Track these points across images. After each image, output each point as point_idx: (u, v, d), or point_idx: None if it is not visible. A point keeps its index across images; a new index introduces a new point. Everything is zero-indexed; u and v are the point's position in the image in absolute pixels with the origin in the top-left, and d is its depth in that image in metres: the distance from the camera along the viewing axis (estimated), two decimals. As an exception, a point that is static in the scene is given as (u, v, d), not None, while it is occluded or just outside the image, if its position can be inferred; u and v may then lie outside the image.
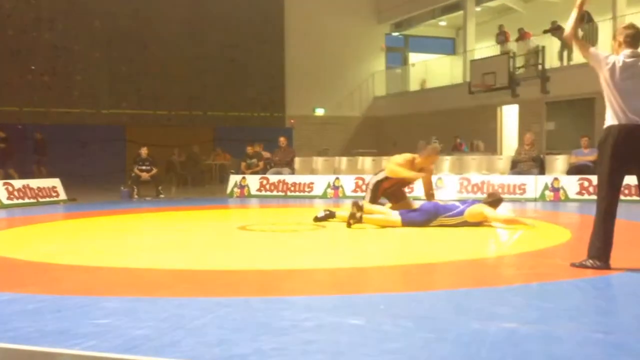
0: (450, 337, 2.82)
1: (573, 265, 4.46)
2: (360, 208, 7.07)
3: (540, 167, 12.34)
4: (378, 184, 7.59)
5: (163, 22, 20.90)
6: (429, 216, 6.87)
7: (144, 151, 13.54)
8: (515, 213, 8.38)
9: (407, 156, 7.51)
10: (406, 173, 7.36)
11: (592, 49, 4.62)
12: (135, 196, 12.94)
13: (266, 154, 14.16)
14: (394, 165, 7.46)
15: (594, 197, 11.14)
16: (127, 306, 3.47)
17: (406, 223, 6.86)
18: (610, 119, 4.53)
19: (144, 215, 9.57)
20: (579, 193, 11.16)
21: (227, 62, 21.50)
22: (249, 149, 14.51)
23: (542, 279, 4.24)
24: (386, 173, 7.56)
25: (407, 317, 3.16)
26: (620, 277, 4.28)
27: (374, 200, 7.53)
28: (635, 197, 10.50)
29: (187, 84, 21.08)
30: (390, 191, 7.73)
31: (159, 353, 2.56)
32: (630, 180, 11.09)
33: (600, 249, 4.34)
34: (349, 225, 6.92)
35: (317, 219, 7.63)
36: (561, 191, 11.27)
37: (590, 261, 4.36)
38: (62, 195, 12.03)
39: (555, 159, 12.82)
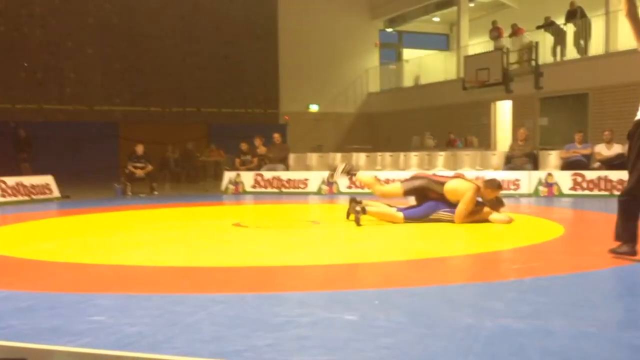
0: (444, 332, 2.82)
1: (611, 251, 4.52)
2: (359, 202, 7.11)
3: (534, 163, 12.38)
4: (426, 190, 7.03)
5: (156, 18, 20.84)
6: (430, 210, 6.92)
7: (139, 148, 13.50)
8: (508, 209, 8.41)
9: (473, 188, 6.89)
10: (465, 211, 6.82)
11: None
12: (129, 193, 12.91)
13: (263, 149, 14.15)
14: (467, 202, 6.78)
15: (588, 192, 11.31)
16: (121, 303, 3.46)
17: (407, 219, 6.88)
18: None
19: (138, 212, 9.55)
20: (573, 188, 11.19)
21: (221, 58, 21.46)
22: (243, 146, 14.49)
23: (536, 273, 4.26)
24: (449, 197, 6.90)
25: (401, 313, 3.17)
26: (614, 272, 4.31)
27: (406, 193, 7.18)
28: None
29: (181, 80, 21.03)
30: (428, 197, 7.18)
31: (154, 350, 2.55)
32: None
33: (633, 235, 4.42)
34: (356, 220, 6.81)
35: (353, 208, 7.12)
36: (555, 186, 11.31)
37: (625, 247, 4.45)
38: (56, 193, 11.99)
39: (549, 154, 12.86)
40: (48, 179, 12.05)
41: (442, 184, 6.97)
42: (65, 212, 9.69)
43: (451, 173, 12.01)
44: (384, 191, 7.43)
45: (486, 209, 6.96)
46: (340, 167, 7.63)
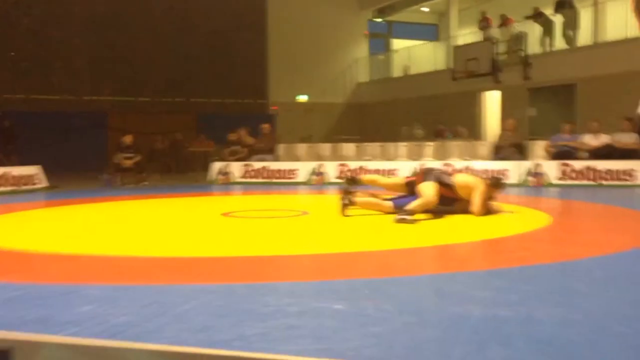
0: (432, 321, 2.85)
1: None
2: (349, 192, 7.09)
3: (522, 153, 12.44)
4: (439, 184, 6.83)
5: (144, 8, 20.67)
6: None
7: (127, 139, 13.43)
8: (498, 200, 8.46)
9: (484, 182, 6.95)
10: (482, 205, 6.77)
11: None
12: (118, 183, 12.86)
13: (250, 140, 14.12)
14: (483, 193, 6.73)
15: (576, 182, 11.37)
16: (109, 294, 3.46)
17: (397, 208, 6.88)
18: None
19: (127, 202, 9.52)
20: (561, 178, 11.27)
21: (209, 48, 21.33)
22: (232, 136, 14.46)
23: (523, 262, 4.29)
24: (460, 191, 6.81)
25: (389, 302, 3.18)
26: (600, 261, 4.35)
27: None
28: (637, 182, 10.64)
29: (169, 70, 20.90)
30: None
31: (142, 339, 2.55)
32: (621, 165, 11.18)
33: None
34: (342, 209, 6.77)
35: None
36: (543, 176, 11.37)
37: None
38: (44, 183, 11.92)
39: (537, 144, 12.92)
40: (36, 169, 11.97)
41: (451, 175, 7.02)
42: (54, 202, 9.64)
43: (440, 163, 12.12)
44: (388, 182, 7.39)
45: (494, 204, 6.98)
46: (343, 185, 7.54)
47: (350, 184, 7.16)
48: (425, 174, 6.92)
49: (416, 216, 6.39)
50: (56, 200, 9.76)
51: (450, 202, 6.87)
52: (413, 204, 6.43)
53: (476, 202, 6.71)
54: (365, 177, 7.46)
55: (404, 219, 6.18)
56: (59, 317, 2.95)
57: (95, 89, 20.24)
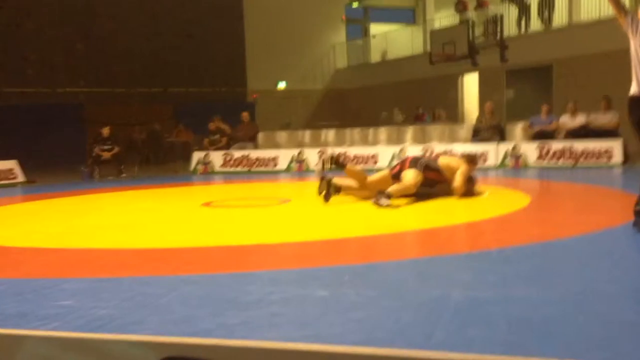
0: (414, 304, 2.87)
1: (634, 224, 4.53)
2: (329, 180, 7.07)
3: (501, 135, 12.53)
4: (427, 168, 6.89)
5: (118, -3, 20.38)
6: None
7: (105, 131, 13.29)
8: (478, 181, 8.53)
9: (465, 162, 7.06)
10: (463, 182, 6.90)
11: (628, 16, 4.60)
12: (97, 176, 12.75)
13: (226, 127, 14.08)
14: (464, 173, 6.88)
15: (554, 163, 11.49)
16: (89, 287, 3.44)
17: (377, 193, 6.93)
18: (633, 88, 4.55)
19: (106, 195, 9.44)
20: (539, 159, 11.37)
21: (186, 38, 21.10)
22: (211, 125, 14.38)
23: (502, 244, 4.34)
24: (447, 175, 6.93)
25: (371, 287, 3.21)
26: (578, 241, 4.41)
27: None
28: (614, 161, 10.77)
29: (146, 60, 20.65)
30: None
31: (124, 332, 2.55)
32: (598, 145, 11.25)
33: None
34: (325, 197, 6.73)
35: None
36: (521, 158, 11.47)
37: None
38: (20, 177, 11.77)
39: (516, 126, 13.01)
40: (12, 164, 11.81)
41: (436, 160, 7.11)
42: (31, 196, 9.54)
43: (403, 145, 12.21)
44: (375, 179, 7.22)
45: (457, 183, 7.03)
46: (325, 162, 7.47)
47: (335, 165, 7.09)
48: (411, 163, 6.92)
49: (398, 201, 6.42)
50: (34, 195, 9.66)
51: (433, 184, 6.97)
52: (392, 188, 6.47)
53: (457, 178, 6.85)
54: (352, 167, 7.27)
55: (378, 201, 6.27)
56: (40, 311, 2.93)
57: (71, 81, 19.95)
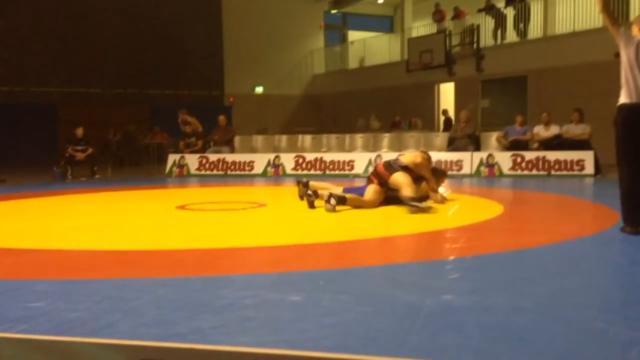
0: (387, 311, 2.88)
1: (621, 230, 4.79)
2: (306, 184, 7.30)
3: (476, 144, 12.65)
4: (405, 168, 6.96)
5: (94, -4, 20.19)
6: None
7: (79, 131, 13.14)
8: (451, 189, 8.60)
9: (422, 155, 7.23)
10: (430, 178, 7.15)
11: (621, 28, 4.73)
12: (69, 177, 12.58)
13: (192, 119, 14.20)
14: (427, 170, 7.11)
15: (527, 172, 11.63)
16: (60, 288, 3.38)
17: (346, 191, 6.98)
18: (623, 98, 4.71)
19: (79, 196, 9.32)
20: (512, 168, 11.50)
21: (163, 39, 20.95)
22: (187, 128, 14.31)
23: (476, 251, 4.37)
24: (413, 168, 7.02)
25: (345, 292, 3.21)
26: (550, 249, 4.46)
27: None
28: (585, 172, 10.91)
29: (121, 61, 20.45)
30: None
31: (95, 335, 2.51)
32: (571, 156, 11.39)
33: (629, 218, 4.74)
34: (309, 203, 6.78)
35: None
36: (496, 167, 11.60)
37: (627, 227, 4.76)
38: (-9, 177, 11.57)
39: (490, 135, 13.16)
40: (-18, 163, 11.62)
41: (401, 164, 7.04)
42: (1, 196, 9.37)
43: (379, 152, 12.29)
44: (372, 199, 7.08)
45: (424, 185, 7.09)
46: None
47: (337, 202, 6.93)
48: (387, 169, 6.94)
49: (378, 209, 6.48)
50: (4, 195, 9.48)
51: (416, 181, 6.99)
52: (405, 193, 6.45)
53: (428, 176, 7.06)
54: (350, 197, 6.85)
55: (329, 200, 6.43)
56: (9, 313, 2.88)
57: (44, 81, 19.66)
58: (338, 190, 7.11)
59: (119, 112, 19.80)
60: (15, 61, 19.24)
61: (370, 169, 11.92)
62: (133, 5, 20.69)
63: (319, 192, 7.08)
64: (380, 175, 6.96)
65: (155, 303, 3.04)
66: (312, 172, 12.55)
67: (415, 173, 6.96)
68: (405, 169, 6.89)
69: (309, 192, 6.96)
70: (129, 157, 18.43)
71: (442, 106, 19.05)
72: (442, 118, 18.72)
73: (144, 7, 20.82)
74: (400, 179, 6.71)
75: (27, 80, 19.40)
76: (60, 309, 2.93)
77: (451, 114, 18.17)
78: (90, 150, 13.05)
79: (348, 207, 6.71)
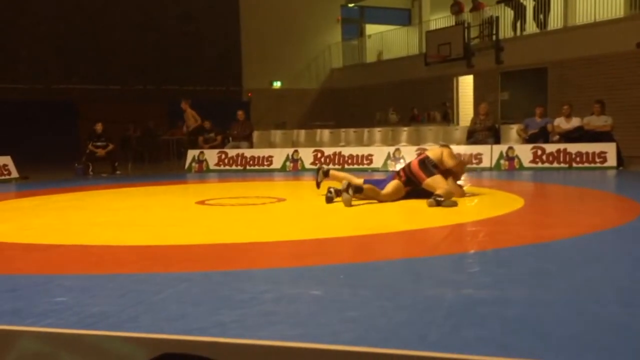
0: (408, 305, 2.87)
1: None
2: (326, 173, 7.49)
3: (496, 137, 12.55)
4: (436, 167, 7.00)
5: (113, -6, 20.33)
6: (389, 179, 7.02)
7: (98, 127, 13.27)
8: (471, 183, 8.56)
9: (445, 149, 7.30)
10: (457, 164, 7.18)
11: None
12: (91, 173, 12.72)
13: (193, 112, 14.32)
14: (452, 160, 7.09)
15: (548, 165, 11.52)
16: (84, 283, 3.43)
17: (366, 182, 6.95)
18: None
19: (100, 192, 9.41)
20: (533, 161, 11.40)
21: (181, 35, 21.07)
22: (206, 124, 14.38)
23: (496, 245, 4.35)
24: (439, 165, 7.02)
25: (365, 286, 3.21)
26: (571, 243, 4.42)
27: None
28: (608, 164, 10.81)
29: (140, 58, 20.60)
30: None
31: (118, 329, 2.54)
32: (592, 148, 11.29)
33: None
34: (327, 199, 6.79)
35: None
36: (516, 160, 11.50)
37: None
38: (14, 174, 11.73)
39: (510, 128, 13.05)
40: (6, 160, 11.77)
41: (432, 163, 7.01)
42: (25, 193, 9.49)
43: (398, 146, 12.28)
44: (388, 192, 6.98)
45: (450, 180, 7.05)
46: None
47: (354, 192, 6.93)
48: (423, 169, 6.87)
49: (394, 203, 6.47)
50: (28, 191, 9.61)
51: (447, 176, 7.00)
52: (443, 191, 6.45)
53: (457, 169, 7.08)
54: (366, 187, 6.88)
55: (347, 189, 6.48)
56: (34, 308, 2.92)
57: (64, 78, 19.86)
58: (359, 182, 7.05)
59: (139, 108, 19.93)
60: (36, 59, 19.45)
61: (389, 163, 11.95)
62: (152, 2, 20.80)
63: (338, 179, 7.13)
64: (415, 175, 6.87)
65: (177, 297, 3.07)
66: (330, 166, 12.54)
67: (443, 169, 6.94)
68: (436, 167, 6.89)
69: (331, 190, 6.86)
70: (149, 153, 18.58)
71: (462, 99, 18.92)
72: (461, 111, 18.61)
73: (163, 4, 20.93)
74: (437, 183, 6.66)
75: (48, 78, 19.61)
76: (84, 304, 2.96)
77: (470, 106, 18.03)
78: (110, 147, 13.18)
79: (366, 200, 6.70)
